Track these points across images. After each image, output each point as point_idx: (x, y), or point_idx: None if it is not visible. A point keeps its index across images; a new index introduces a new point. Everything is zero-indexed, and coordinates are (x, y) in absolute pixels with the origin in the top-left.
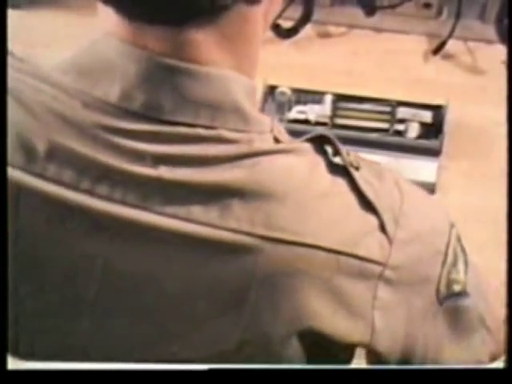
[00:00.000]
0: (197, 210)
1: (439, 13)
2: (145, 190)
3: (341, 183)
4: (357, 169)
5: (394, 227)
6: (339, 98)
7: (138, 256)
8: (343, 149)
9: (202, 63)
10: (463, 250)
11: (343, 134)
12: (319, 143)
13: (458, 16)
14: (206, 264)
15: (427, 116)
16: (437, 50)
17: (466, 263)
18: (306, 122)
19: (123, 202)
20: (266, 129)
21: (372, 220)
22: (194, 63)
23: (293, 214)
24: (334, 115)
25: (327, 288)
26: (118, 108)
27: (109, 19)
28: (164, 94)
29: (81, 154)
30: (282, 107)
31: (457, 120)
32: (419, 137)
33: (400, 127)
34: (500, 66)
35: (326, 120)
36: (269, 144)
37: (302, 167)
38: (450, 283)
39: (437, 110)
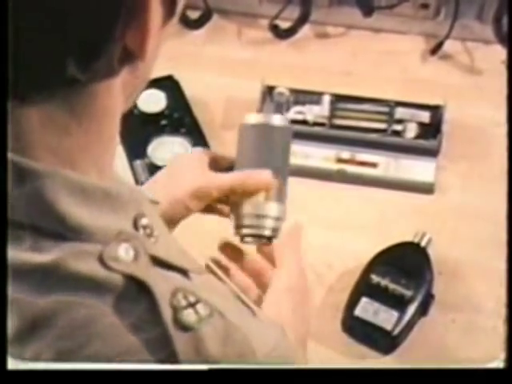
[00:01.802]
0: None
1: (437, 13)
2: None
3: None
4: None
5: None
6: (337, 98)
7: None
8: None
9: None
10: None
11: (341, 134)
12: None
13: (455, 16)
14: None
15: (425, 116)
16: (434, 50)
17: None
18: (304, 122)
19: None
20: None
21: None
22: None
23: None
24: (332, 115)
25: None
26: None
27: None
28: None
29: None
30: (280, 107)
31: (455, 120)
32: (417, 137)
33: (398, 127)
34: (498, 66)
35: (325, 120)
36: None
37: None
38: None
39: (435, 110)
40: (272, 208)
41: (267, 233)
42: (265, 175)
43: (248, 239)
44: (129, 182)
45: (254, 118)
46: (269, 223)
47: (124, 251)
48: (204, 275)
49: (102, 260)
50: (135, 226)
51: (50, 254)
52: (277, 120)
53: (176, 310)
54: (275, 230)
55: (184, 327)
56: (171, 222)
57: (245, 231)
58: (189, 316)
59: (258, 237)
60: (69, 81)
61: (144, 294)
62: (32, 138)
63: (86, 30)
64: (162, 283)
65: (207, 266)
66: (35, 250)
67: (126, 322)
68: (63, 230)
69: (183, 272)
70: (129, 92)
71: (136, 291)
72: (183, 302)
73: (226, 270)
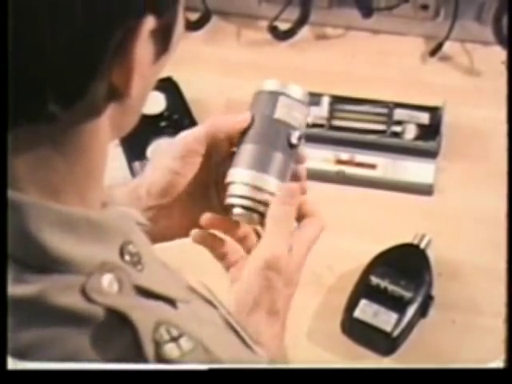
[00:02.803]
0: None
1: (436, 14)
2: None
3: None
4: None
5: None
6: (336, 99)
7: None
8: None
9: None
10: None
11: (340, 135)
12: None
13: (455, 17)
14: None
15: (424, 117)
16: (434, 52)
17: None
18: None
19: None
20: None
21: None
22: None
23: None
24: (331, 117)
25: None
26: None
27: None
28: None
29: None
30: None
31: (454, 121)
32: (416, 138)
33: (397, 129)
34: (497, 68)
35: (324, 122)
36: None
37: None
38: None
39: (434, 111)
40: (271, 182)
41: (262, 209)
42: (243, 116)
43: (237, 211)
44: (119, 207)
45: (270, 85)
46: (265, 198)
47: (107, 282)
48: (192, 303)
49: (84, 292)
50: (121, 254)
51: (32, 286)
52: (294, 91)
53: (158, 345)
54: (267, 206)
55: (166, 362)
56: (167, 193)
57: (235, 201)
58: (171, 351)
59: (249, 210)
60: (51, 118)
61: (126, 327)
62: (17, 171)
63: (70, 67)
64: (145, 316)
65: (193, 290)
66: (18, 282)
67: (108, 357)
68: (46, 262)
69: (169, 301)
70: (117, 128)
71: (118, 324)
72: (166, 336)
73: (218, 241)
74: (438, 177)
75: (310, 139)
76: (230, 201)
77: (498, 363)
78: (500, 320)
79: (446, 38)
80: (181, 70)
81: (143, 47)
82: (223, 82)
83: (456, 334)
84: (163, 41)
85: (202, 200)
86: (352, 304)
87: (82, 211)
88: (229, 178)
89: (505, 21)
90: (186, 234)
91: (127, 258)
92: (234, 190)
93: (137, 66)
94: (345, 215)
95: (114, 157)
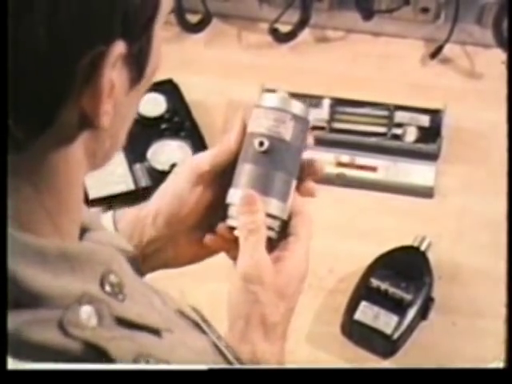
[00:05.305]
0: None
1: (437, 17)
2: None
3: None
4: None
5: None
6: (337, 102)
7: None
8: None
9: None
10: None
11: (341, 138)
12: None
13: (455, 20)
14: None
15: (425, 120)
16: (434, 54)
17: None
18: None
19: None
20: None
21: None
22: None
23: None
24: (331, 119)
25: None
26: None
27: None
28: None
29: None
30: None
31: (454, 124)
32: (417, 141)
33: (398, 131)
34: (498, 70)
35: (324, 124)
36: None
37: None
38: None
39: (434, 114)
40: (272, 204)
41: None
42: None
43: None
44: (102, 232)
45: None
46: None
47: (86, 315)
48: (178, 330)
49: (61, 326)
50: (102, 284)
51: (9, 322)
52: (296, 108)
53: None
54: (272, 229)
55: None
56: (173, 222)
57: (235, 223)
58: None
59: None
60: (18, 147)
61: (105, 361)
62: None
63: (36, 94)
64: (124, 349)
65: (181, 314)
66: None
67: None
68: (21, 297)
69: (153, 331)
70: (93, 157)
71: (96, 358)
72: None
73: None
74: (438, 179)
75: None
76: (230, 223)
77: (498, 363)
78: (500, 322)
79: (447, 40)
80: (181, 72)
81: (114, 73)
82: (224, 84)
83: (456, 337)
84: (137, 68)
85: (209, 224)
86: (352, 306)
87: (58, 243)
88: (228, 199)
89: (505, 24)
90: (193, 261)
91: (108, 288)
92: (233, 211)
93: (107, 93)
94: (345, 218)
95: (115, 159)
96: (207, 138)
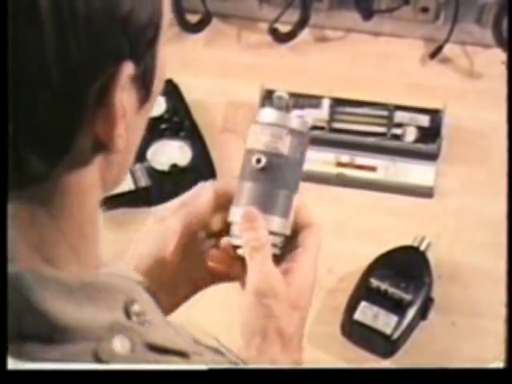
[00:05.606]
0: None
1: (436, 17)
2: None
3: None
4: None
5: None
6: (337, 102)
7: None
8: None
9: None
10: None
11: (341, 138)
12: None
13: (455, 20)
14: None
15: (424, 120)
16: (434, 54)
17: None
18: None
19: None
20: None
21: None
22: None
23: None
24: (331, 119)
25: None
26: None
27: None
28: None
29: None
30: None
31: (454, 124)
32: (417, 141)
33: (397, 131)
34: (497, 70)
35: (324, 124)
36: None
37: None
38: None
39: (434, 114)
40: (274, 222)
41: None
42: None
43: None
44: (116, 267)
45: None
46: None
47: (119, 344)
48: (204, 354)
49: (97, 357)
50: (127, 314)
51: (40, 362)
52: (292, 122)
53: None
54: (275, 246)
55: None
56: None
57: (238, 242)
58: None
59: None
60: (36, 178)
61: None
62: (12, 236)
63: (51, 124)
64: None
65: (198, 342)
66: (24, 357)
67: None
68: (53, 333)
69: (183, 355)
70: (106, 183)
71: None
72: None
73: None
74: (438, 179)
75: (311, 141)
76: (233, 241)
77: (498, 363)
78: (500, 322)
79: (446, 40)
80: (181, 72)
81: (124, 95)
82: (224, 84)
83: (456, 337)
84: (144, 87)
85: (199, 255)
86: (352, 306)
87: (81, 275)
88: (230, 217)
89: (505, 23)
90: (195, 292)
91: (134, 318)
92: (236, 230)
93: (120, 115)
94: (345, 217)
95: None
96: (207, 138)
